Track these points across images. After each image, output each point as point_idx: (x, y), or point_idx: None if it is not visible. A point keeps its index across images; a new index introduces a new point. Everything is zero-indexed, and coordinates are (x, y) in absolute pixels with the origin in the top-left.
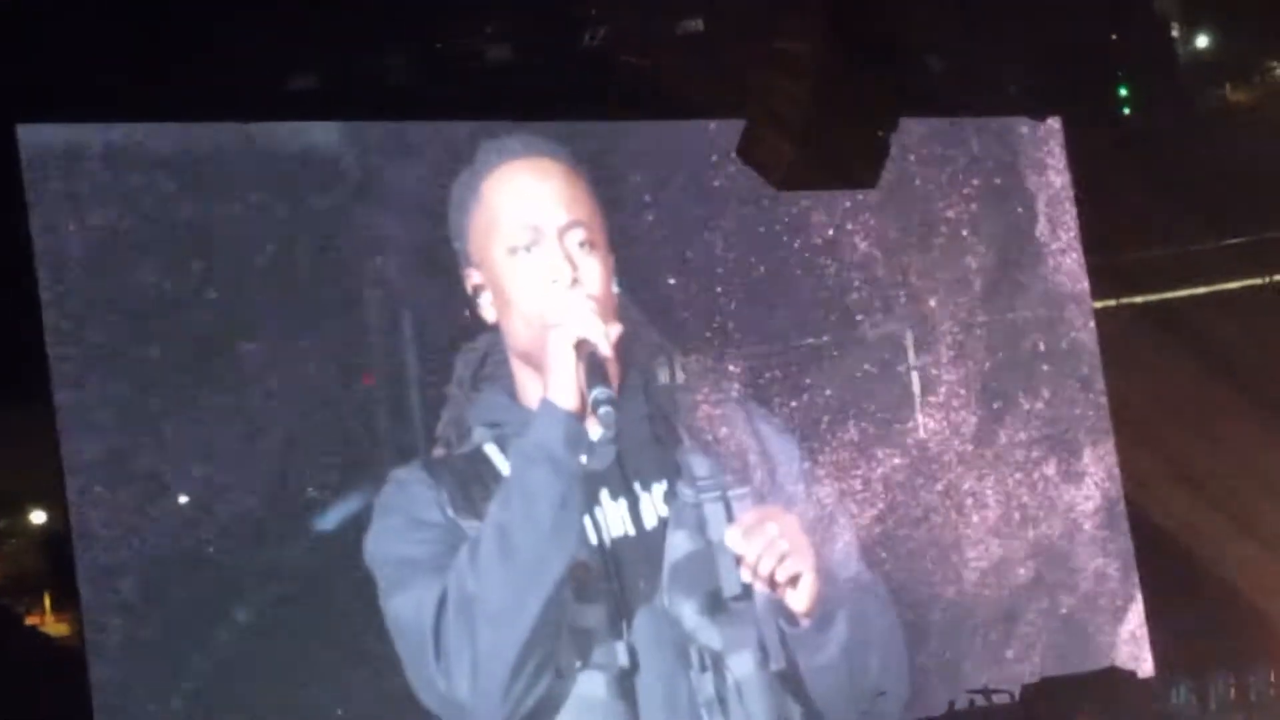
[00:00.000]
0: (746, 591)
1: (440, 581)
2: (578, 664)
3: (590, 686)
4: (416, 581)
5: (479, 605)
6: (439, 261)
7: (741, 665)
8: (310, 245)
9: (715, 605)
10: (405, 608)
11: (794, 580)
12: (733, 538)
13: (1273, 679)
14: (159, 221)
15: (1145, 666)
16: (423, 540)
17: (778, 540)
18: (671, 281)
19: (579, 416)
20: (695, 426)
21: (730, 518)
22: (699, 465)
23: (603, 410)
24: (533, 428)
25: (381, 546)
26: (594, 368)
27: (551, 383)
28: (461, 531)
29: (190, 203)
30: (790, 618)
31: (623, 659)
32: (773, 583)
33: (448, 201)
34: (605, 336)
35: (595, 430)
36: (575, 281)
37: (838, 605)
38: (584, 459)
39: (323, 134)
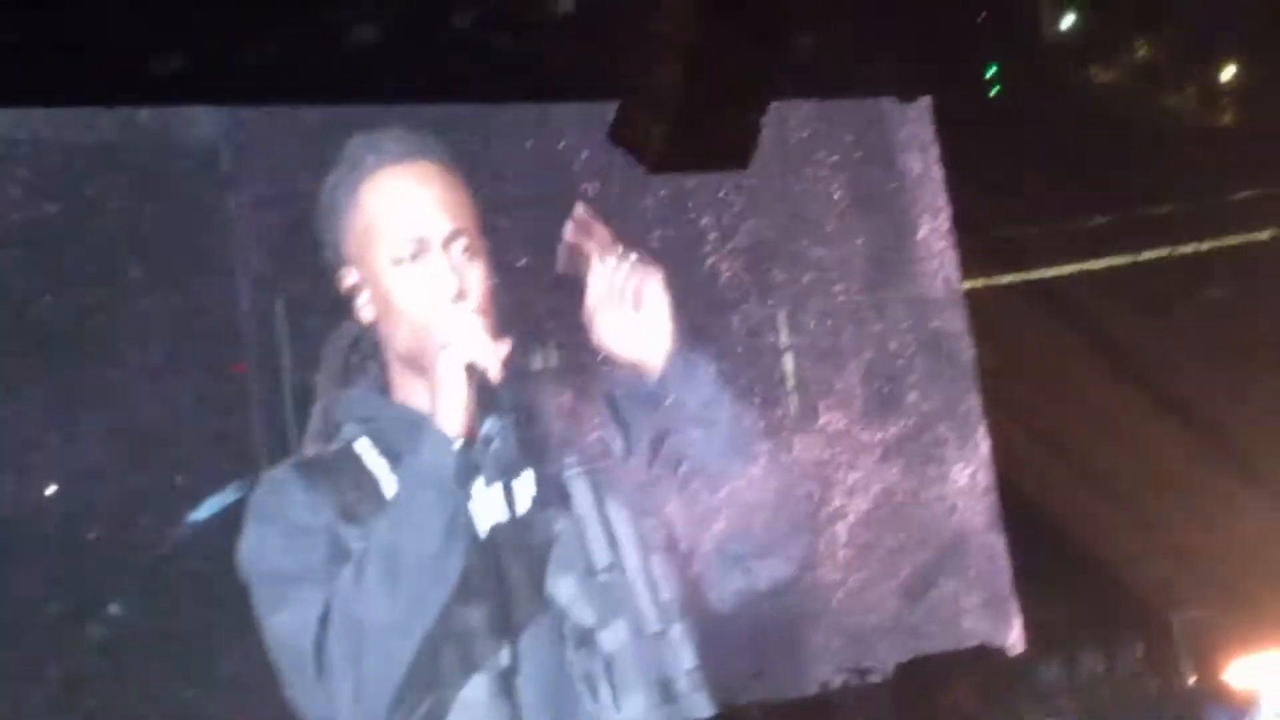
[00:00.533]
0: (617, 560)
1: (321, 596)
2: (460, 670)
3: (472, 690)
4: (296, 597)
5: (363, 627)
6: (309, 248)
7: (613, 638)
8: (180, 231)
9: (587, 580)
10: (284, 626)
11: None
12: None
13: (1140, 654)
14: (23, 211)
15: (1016, 643)
16: (301, 550)
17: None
18: (531, 266)
19: (469, 441)
20: (562, 410)
21: (597, 492)
22: (565, 445)
23: (494, 446)
24: (421, 451)
25: (257, 557)
26: (485, 393)
27: (441, 407)
28: (340, 539)
29: (55, 191)
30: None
31: (504, 659)
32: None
33: (316, 200)
34: (496, 358)
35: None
36: (461, 294)
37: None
38: (474, 483)
39: (188, 118)
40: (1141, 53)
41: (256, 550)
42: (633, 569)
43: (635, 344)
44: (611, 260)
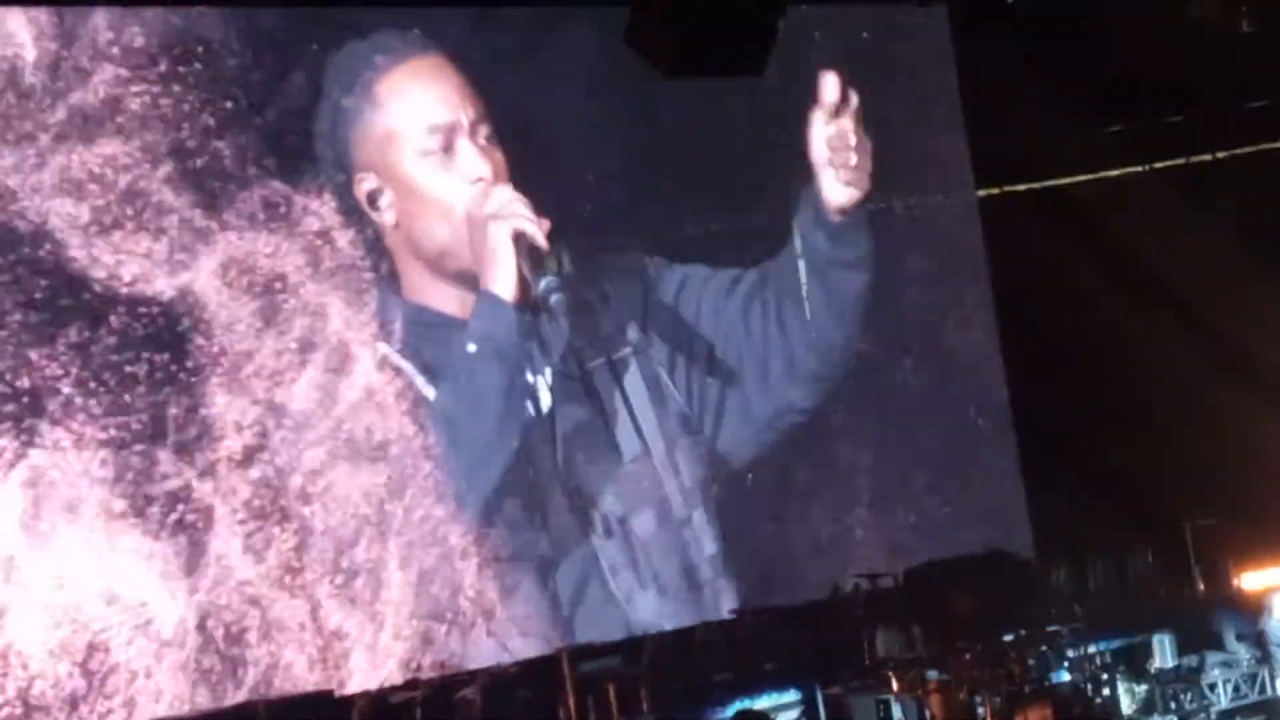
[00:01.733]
0: (646, 451)
1: None
2: (509, 560)
3: (525, 578)
4: None
5: (425, 492)
6: None
7: (644, 525)
8: None
9: (617, 470)
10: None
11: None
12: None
13: (1150, 561)
14: None
15: (1026, 549)
16: None
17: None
18: (558, 167)
19: (522, 307)
20: (584, 302)
21: (619, 380)
22: (583, 337)
23: (555, 298)
24: (476, 320)
25: None
26: (534, 258)
27: (494, 275)
28: None
29: None
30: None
31: (544, 548)
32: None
33: (316, 116)
34: (539, 228)
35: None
36: (496, 177)
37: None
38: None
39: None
40: None
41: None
42: (659, 457)
43: None
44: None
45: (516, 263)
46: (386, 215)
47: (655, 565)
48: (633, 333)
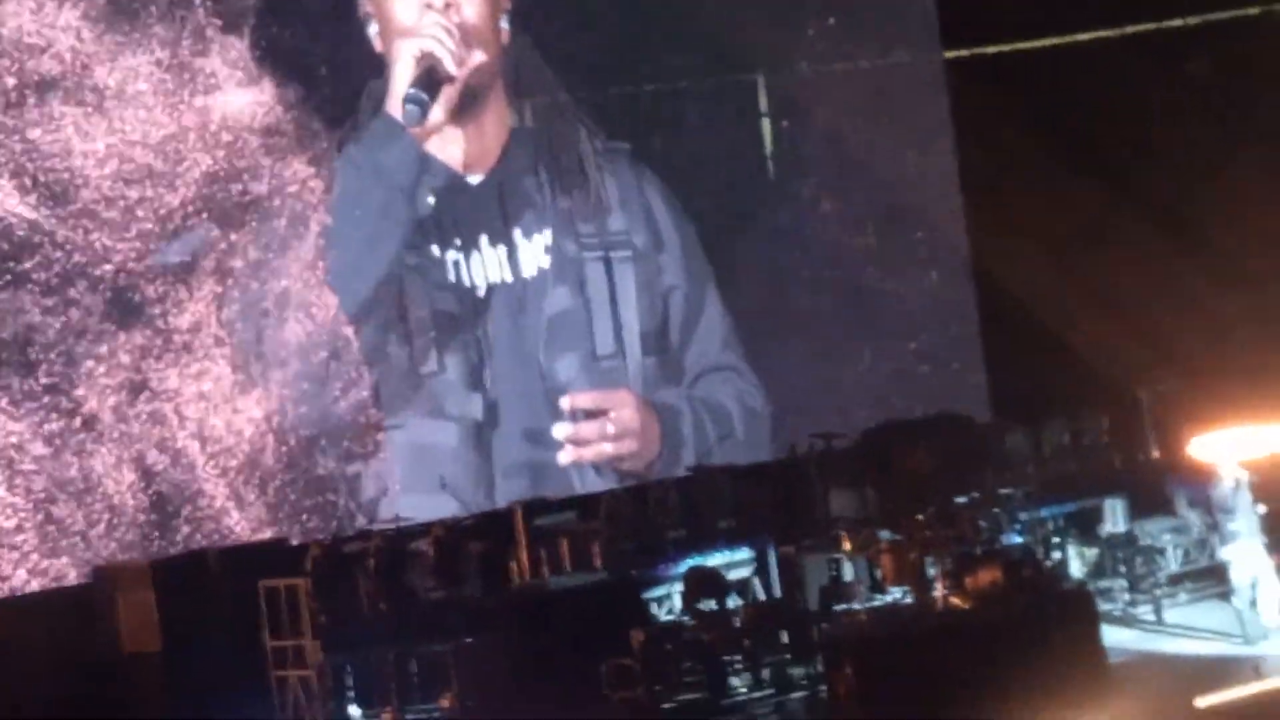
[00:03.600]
0: (620, 349)
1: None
2: (430, 412)
3: (443, 436)
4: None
5: (294, 301)
6: None
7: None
8: None
9: (590, 363)
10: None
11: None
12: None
13: (1105, 426)
14: None
15: (981, 412)
16: None
17: (608, 425)
18: (578, 28)
19: (419, 107)
20: (586, 180)
21: (610, 278)
22: (584, 220)
23: (408, 107)
24: (365, 135)
25: None
26: (428, 77)
27: (390, 93)
28: None
29: None
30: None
31: (477, 412)
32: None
33: None
34: (453, 56)
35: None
36: (449, 6)
37: (680, 432)
38: (421, 180)
39: None
40: None
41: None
42: (634, 362)
43: None
44: None
45: (412, 77)
46: (376, 41)
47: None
48: (639, 239)
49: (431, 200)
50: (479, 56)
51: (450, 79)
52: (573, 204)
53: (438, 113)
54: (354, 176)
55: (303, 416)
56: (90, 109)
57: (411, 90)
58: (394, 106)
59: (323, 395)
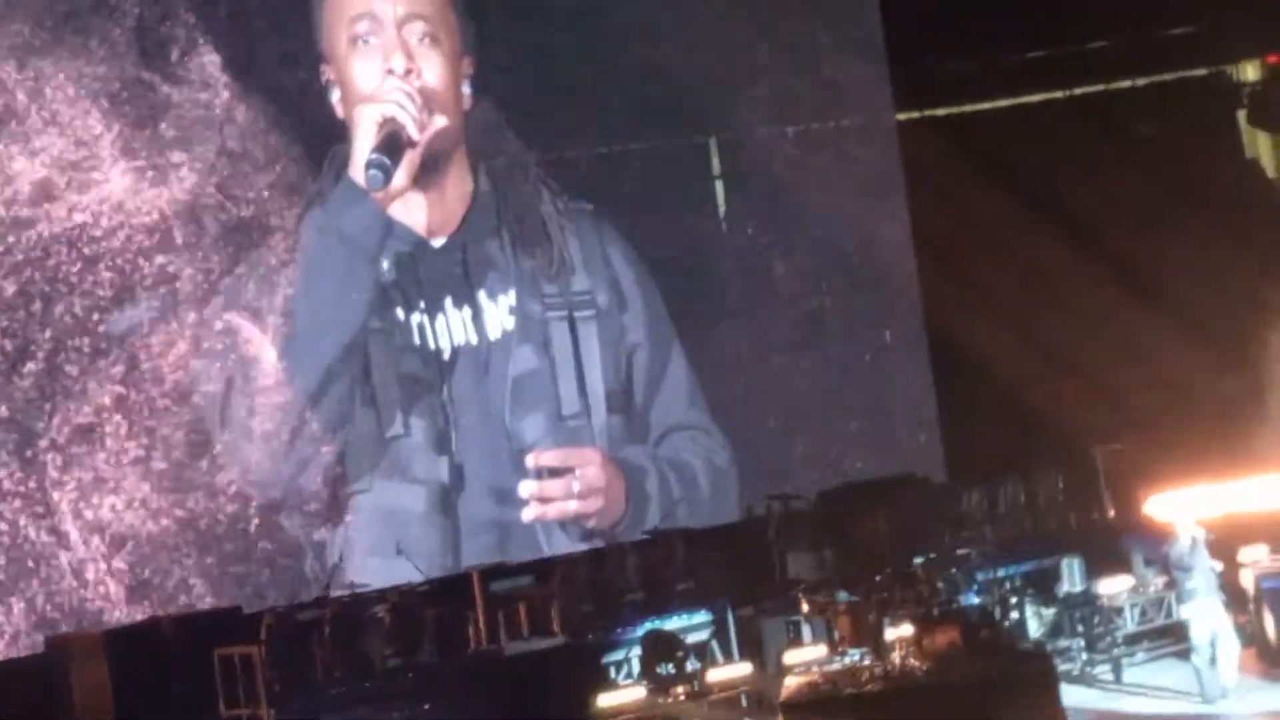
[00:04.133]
0: (585, 409)
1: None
2: (391, 475)
3: (410, 499)
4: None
5: (257, 374)
6: None
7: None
8: None
9: (555, 422)
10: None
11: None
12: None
13: (1061, 485)
14: None
15: (937, 473)
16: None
17: (574, 482)
18: (538, 92)
19: (381, 171)
20: (549, 240)
21: (575, 338)
22: (548, 281)
23: (371, 172)
24: (329, 201)
25: None
26: (390, 142)
27: (353, 158)
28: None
29: None
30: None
31: (444, 475)
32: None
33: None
34: (415, 120)
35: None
36: (409, 72)
37: (644, 490)
38: (384, 245)
39: None
40: None
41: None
42: (599, 421)
43: None
44: None
45: (375, 142)
46: (339, 108)
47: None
48: (602, 298)
49: (391, 268)
50: (441, 121)
51: (412, 144)
52: (536, 264)
53: (400, 177)
54: (318, 241)
55: (265, 482)
56: (47, 165)
57: (374, 155)
58: (356, 171)
59: (287, 461)
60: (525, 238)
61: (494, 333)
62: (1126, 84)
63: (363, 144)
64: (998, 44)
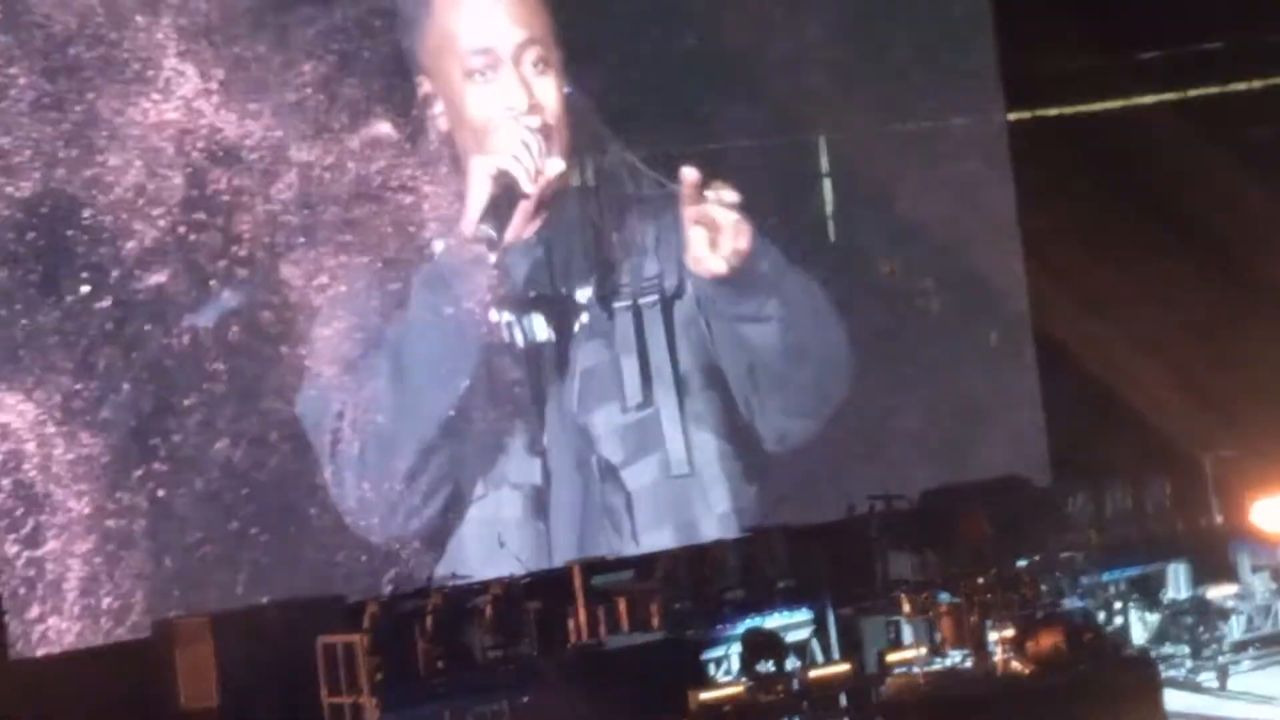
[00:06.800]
0: (648, 400)
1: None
2: (493, 483)
3: (509, 508)
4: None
5: (372, 417)
6: None
7: (640, 475)
8: None
9: (619, 416)
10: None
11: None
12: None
13: (1168, 490)
14: None
15: (1043, 475)
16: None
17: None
18: (630, 76)
19: (494, 243)
20: (625, 230)
21: (639, 327)
22: (622, 271)
23: (477, 248)
24: (440, 253)
25: None
26: (502, 201)
27: (467, 209)
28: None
29: None
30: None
31: (536, 477)
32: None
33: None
34: (530, 173)
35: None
36: (532, 109)
37: (771, 286)
38: (488, 284)
39: None
40: None
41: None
42: (667, 410)
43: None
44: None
45: (487, 202)
46: (440, 122)
47: (650, 516)
48: (669, 281)
49: (508, 316)
50: (558, 165)
51: (525, 196)
52: (612, 255)
53: (510, 234)
54: (430, 303)
55: (372, 515)
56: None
57: (481, 227)
58: (468, 226)
59: (397, 501)
60: (608, 230)
61: (572, 327)
62: (1242, 86)
63: (476, 199)
64: (1111, 44)
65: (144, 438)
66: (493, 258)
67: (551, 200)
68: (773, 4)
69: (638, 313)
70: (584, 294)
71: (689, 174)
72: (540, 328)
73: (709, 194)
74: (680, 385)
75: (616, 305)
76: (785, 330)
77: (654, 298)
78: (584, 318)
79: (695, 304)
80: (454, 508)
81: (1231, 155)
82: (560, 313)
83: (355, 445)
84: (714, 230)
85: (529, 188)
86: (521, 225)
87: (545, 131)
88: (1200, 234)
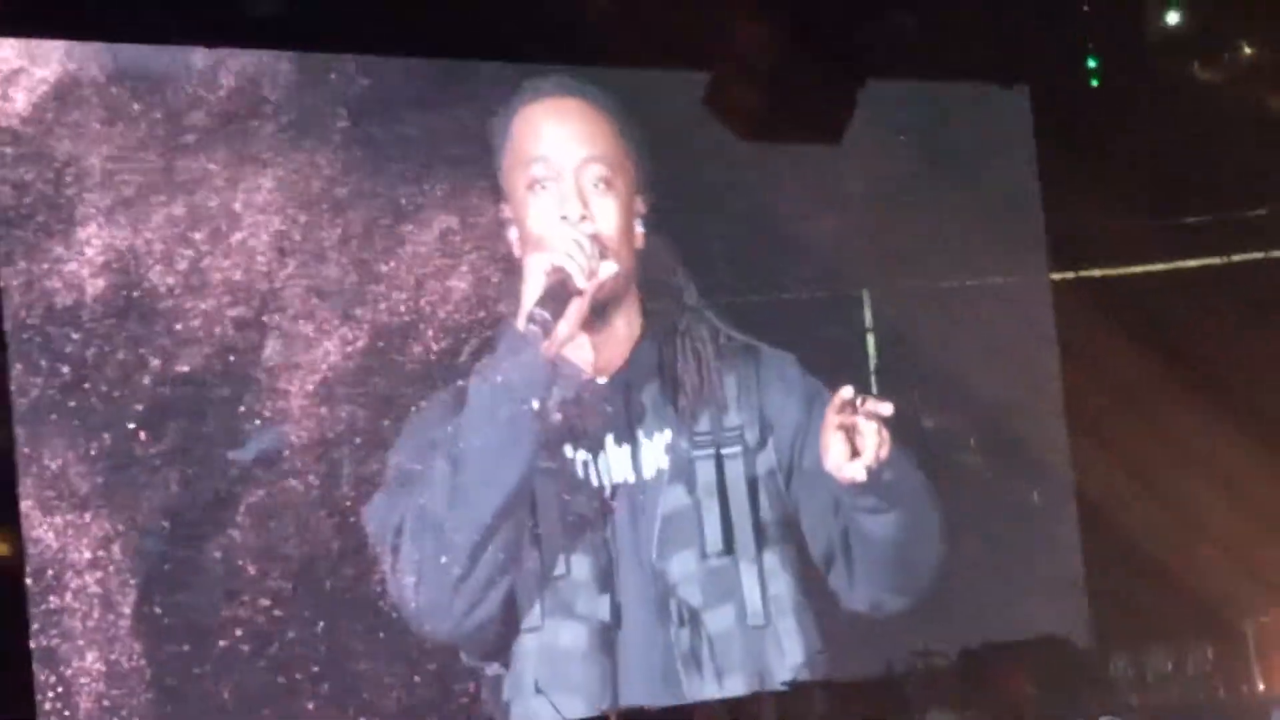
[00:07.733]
0: (729, 548)
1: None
2: (560, 613)
3: (572, 638)
4: (396, 494)
5: (428, 518)
6: None
7: (719, 620)
8: None
9: (699, 562)
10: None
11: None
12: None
13: (1210, 656)
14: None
15: (1084, 637)
16: (421, 457)
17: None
18: (703, 227)
19: (543, 326)
20: (706, 378)
21: (720, 476)
22: (701, 418)
23: (530, 326)
24: (496, 349)
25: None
26: (554, 293)
27: (520, 306)
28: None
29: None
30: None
31: (604, 613)
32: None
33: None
34: (583, 270)
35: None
36: (584, 218)
37: (897, 492)
38: (550, 390)
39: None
40: (1245, 51)
41: (394, 453)
42: (745, 559)
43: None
44: None
45: (542, 292)
46: (515, 247)
47: (726, 662)
48: (750, 435)
49: (557, 407)
50: (610, 268)
51: (579, 292)
52: (690, 402)
53: (565, 327)
54: (484, 390)
55: (435, 621)
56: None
57: (535, 310)
58: (521, 321)
59: (457, 601)
60: (684, 376)
61: (649, 471)
62: None
63: (530, 293)
64: (1156, 207)
65: None
66: (545, 342)
67: (608, 307)
68: (826, 156)
69: (720, 462)
70: (661, 439)
71: (845, 391)
72: (617, 468)
73: (859, 405)
74: (759, 536)
75: (698, 455)
76: (901, 522)
77: (736, 449)
78: (663, 463)
79: (774, 456)
80: (509, 620)
81: (1275, 319)
82: (637, 455)
83: (416, 550)
84: (857, 438)
85: (583, 283)
86: (576, 321)
87: (599, 239)
88: (1243, 399)
